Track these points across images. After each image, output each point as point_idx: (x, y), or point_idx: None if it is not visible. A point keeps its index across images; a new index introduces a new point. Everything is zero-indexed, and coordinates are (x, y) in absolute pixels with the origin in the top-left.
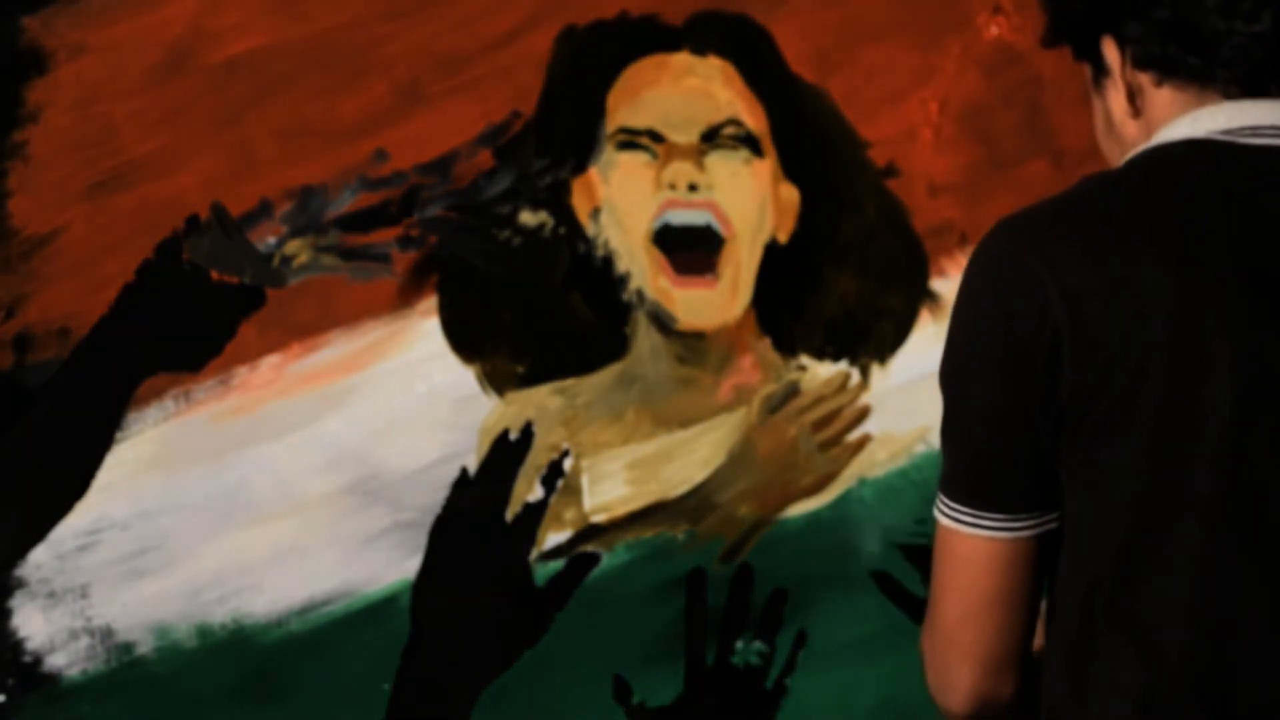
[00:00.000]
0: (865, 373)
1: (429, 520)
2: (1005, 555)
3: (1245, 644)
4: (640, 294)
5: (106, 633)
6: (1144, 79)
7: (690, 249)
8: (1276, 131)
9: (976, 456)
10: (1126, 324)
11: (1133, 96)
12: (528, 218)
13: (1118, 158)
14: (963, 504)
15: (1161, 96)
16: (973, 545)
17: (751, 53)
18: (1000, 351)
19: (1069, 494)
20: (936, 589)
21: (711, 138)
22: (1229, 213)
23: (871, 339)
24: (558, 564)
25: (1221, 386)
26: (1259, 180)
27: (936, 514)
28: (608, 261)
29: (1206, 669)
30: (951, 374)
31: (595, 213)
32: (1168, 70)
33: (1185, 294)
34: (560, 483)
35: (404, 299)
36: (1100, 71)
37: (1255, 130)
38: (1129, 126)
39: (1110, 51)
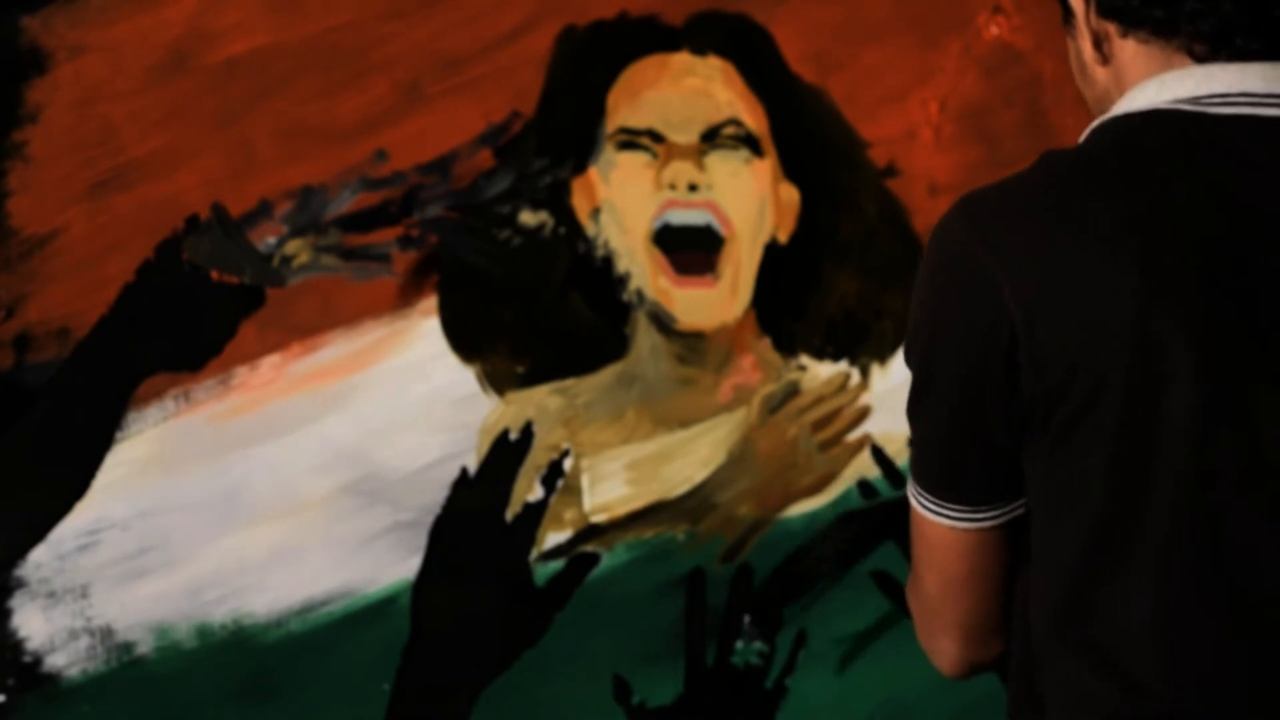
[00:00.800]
0: (865, 373)
1: (429, 520)
2: (972, 543)
3: (1209, 668)
4: (640, 294)
5: (106, 633)
6: (1109, 27)
7: (690, 249)
8: (1248, 99)
9: (936, 449)
10: (1085, 331)
11: (1099, 43)
12: (528, 218)
13: (1092, 101)
14: (928, 492)
15: (1128, 48)
16: (940, 531)
17: (751, 53)
18: (957, 352)
19: (1031, 498)
20: (915, 561)
21: (711, 138)
22: (1195, 202)
23: (871, 339)
24: (558, 564)
25: (1182, 399)
26: (1227, 158)
27: (908, 495)
28: (608, 261)
29: (1173, 694)
30: (912, 364)
31: (595, 213)
32: (1130, 21)
33: (1146, 297)
34: (560, 483)
35: (404, 299)
36: (1068, 13)
37: (1225, 98)
38: (1099, 72)
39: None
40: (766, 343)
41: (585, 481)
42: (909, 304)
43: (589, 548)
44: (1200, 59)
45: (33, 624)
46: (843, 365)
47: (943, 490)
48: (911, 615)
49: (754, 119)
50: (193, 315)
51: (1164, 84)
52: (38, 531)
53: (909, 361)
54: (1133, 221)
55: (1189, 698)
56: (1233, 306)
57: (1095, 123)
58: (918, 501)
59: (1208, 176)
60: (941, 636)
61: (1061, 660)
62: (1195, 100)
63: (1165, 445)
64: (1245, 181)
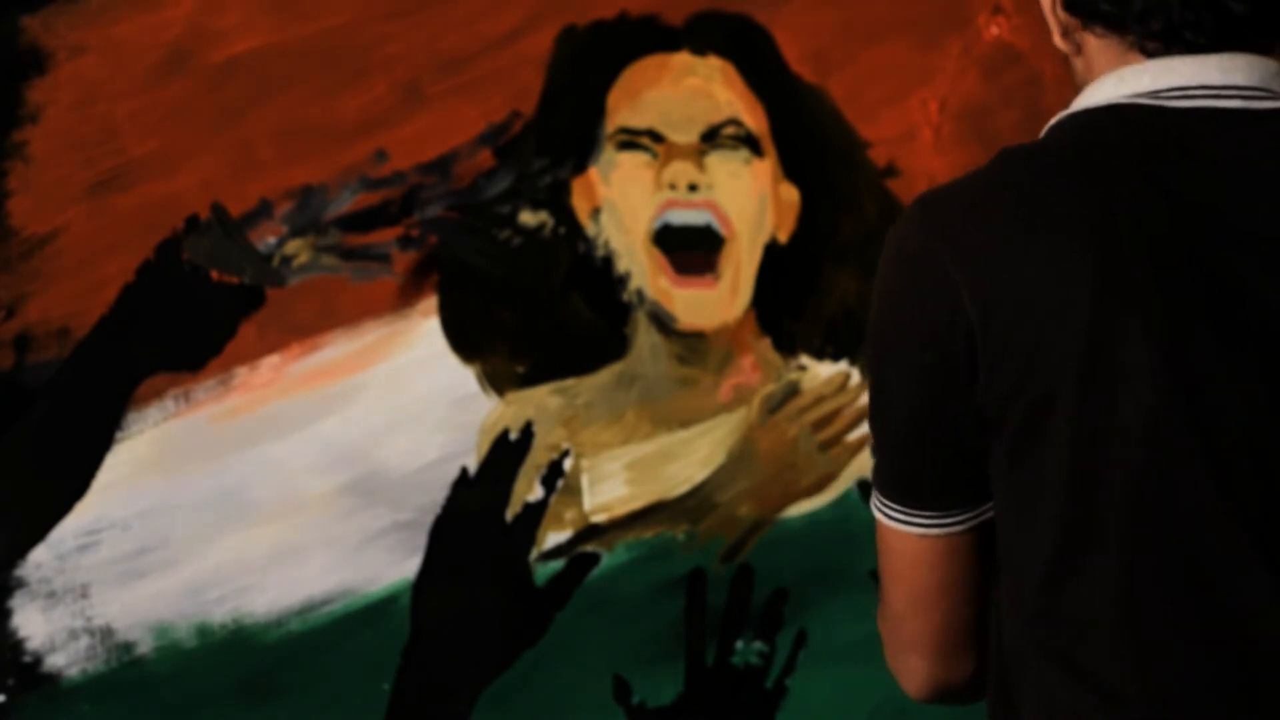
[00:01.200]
0: (865, 373)
1: (429, 520)
2: (940, 550)
3: (1179, 673)
4: (640, 294)
5: (106, 633)
6: (1072, 20)
7: (690, 249)
8: (1206, 91)
9: (899, 454)
10: (1040, 330)
11: (1067, 33)
12: (528, 218)
13: (1079, 87)
14: (892, 500)
15: (1090, 40)
16: (906, 540)
17: (751, 53)
18: (915, 353)
19: (996, 502)
20: (882, 578)
21: (711, 138)
22: (1155, 198)
23: None
24: (558, 564)
25: (1136, 402)
26: (1187, 152)
27: (871, 507)
28: (608, 261)
29: (1144, 700)
30: (871, 367)
31: (595, 213)
32: (1085, 16)
33: (1103, 296)
34: (560, 483)
35: (404, 299)
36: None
37: (1184, 91)
38: (1076, 62)
39: None
40: (766, 343)
41: (585, 481)
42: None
43: (589, 548)
44: (1152, 55)
45: (33, 624)
46: (843, 365)
47: (907, 497)
48: (881, 637)
49: (754, 119)
50: (193, 315)
51: (1122, 79)
52: (38, 531)
53: (869, 362)
54: (1091, 219)
55: (1160, 703)
56: (1191, 303)
57: (1054, 119)
58: (882, 512)
59: (1167, 171)
60: (910, 654)
61: (1034, 666)
62: (1154, 94)
63: (1123, 446)
64: (1205, 175)
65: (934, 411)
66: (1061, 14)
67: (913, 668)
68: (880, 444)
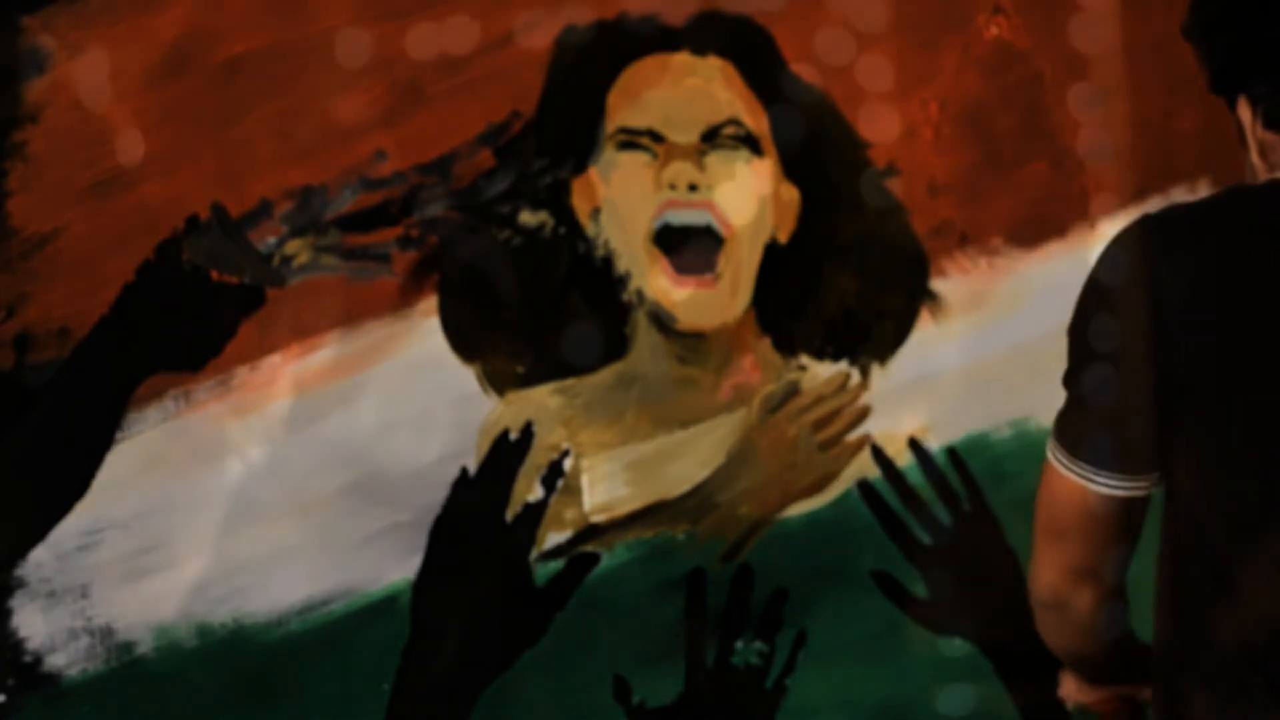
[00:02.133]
0: (865, 373)
1: (429, 520)
2: (1091, 502)
3: None
4: (640, 294)
5: (106, 633)
6: (1274, 139)
7: (690, 249)
8: None
9: (1086, 412)
10: (1258, 317)
11: (1264, 152)
12: (528, 218)
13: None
14: (1063, 449)
15: None
16: (1062, 484)
17: (751, 53)
18: (1137, 320)
19: (1186, 455)
20: (1037, 504)
21: (711, 138)
22: None
23: (871, 339)
24: (558, 564)
25: None
26: None
27: (1048, 451)
28: (608, 261)
29: None
30: (1079, 332)
31: (595, 213)
32: None
33: None
34: (560, 483)
35: (404, 299)
36: (1242, 133)
37: None
38: (1265, 174)
39: (1243, 110)
40: (766, 343)
41: (585, 481)
42: (909, 304)
43: (589, 548)
44: None
45: (33, 624)
46: (843, 365)
47: (1079, 449)
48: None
49: (754, 119)
50: (192, 315)
51: None
52: (38, 531)
53: (1078, 328)
54: None
55: None
56: None
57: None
58: (1053, 455)
59: None
60: (1041, 563)
61: (1221, 613)
62: None
63: None
64: None
65: (1137, 377)
66: (1262, 133)
67: (1040, 573)
68: (1072, 401)
